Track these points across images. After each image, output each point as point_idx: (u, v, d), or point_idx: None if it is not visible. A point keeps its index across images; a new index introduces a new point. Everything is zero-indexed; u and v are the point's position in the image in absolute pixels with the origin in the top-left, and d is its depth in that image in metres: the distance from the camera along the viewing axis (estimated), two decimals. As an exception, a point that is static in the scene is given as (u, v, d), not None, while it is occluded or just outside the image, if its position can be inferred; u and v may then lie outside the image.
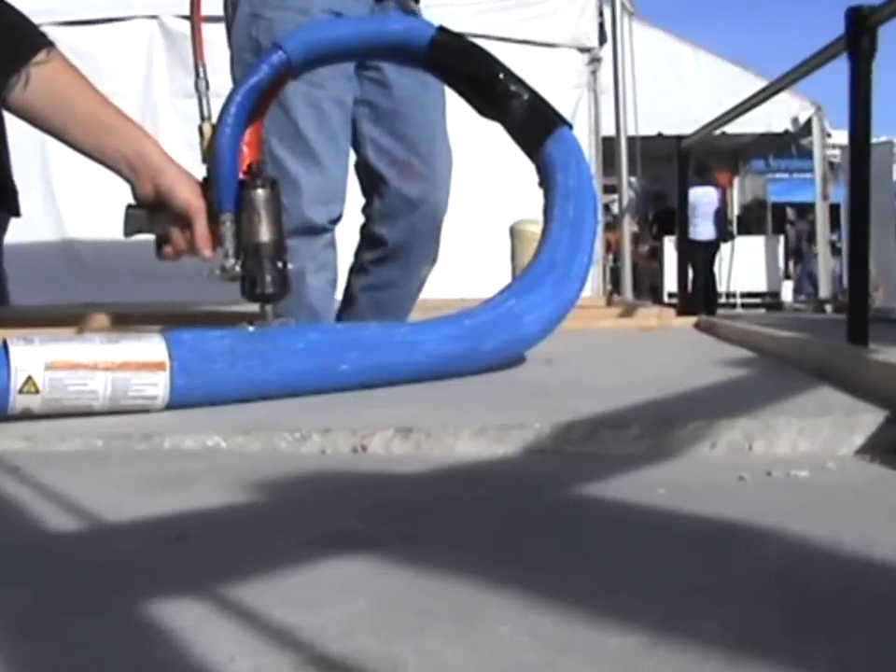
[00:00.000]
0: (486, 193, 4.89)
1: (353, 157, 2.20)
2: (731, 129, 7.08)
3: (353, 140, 2.17)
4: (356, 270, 2.25)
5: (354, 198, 2.21)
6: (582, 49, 5.62)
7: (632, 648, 0.55)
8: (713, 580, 0.67)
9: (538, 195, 1.73)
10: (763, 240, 12.72)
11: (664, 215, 11.24)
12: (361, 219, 2.24)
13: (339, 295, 2.24)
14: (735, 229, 12.13)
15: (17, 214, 3.46)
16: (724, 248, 10.46)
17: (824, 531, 0.77)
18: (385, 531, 0.78)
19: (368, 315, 2.19)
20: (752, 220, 14.03)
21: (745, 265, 11.73)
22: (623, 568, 0.70)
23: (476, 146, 3.94)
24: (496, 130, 1.75)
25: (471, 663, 0.54)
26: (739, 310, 11.27)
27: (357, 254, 2.25)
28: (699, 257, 8.88)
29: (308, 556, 0.71)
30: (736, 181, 13.95)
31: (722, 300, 11.08)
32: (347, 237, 2.23)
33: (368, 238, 2.22)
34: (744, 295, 11.98)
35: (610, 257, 7.38)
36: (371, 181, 2.19)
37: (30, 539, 0.77)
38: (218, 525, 0.82)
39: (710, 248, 9.68)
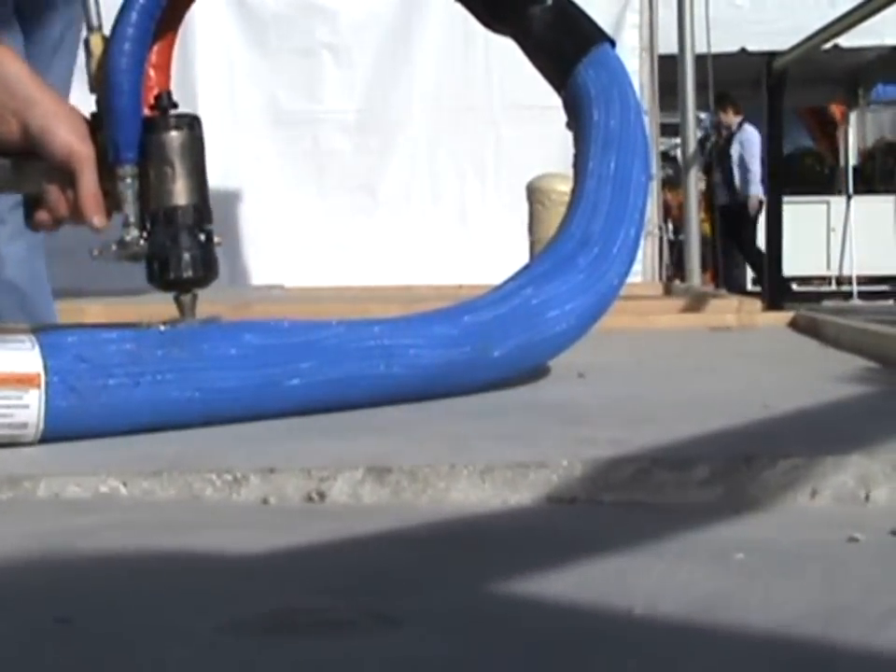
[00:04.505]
0: (492, 137, 4.88)
1: None
2: (847, 41, 7.08)
3: None
4: None
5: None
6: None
7: None
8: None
9: (566, 140, 1.74)
10: (892, 201, 12.69)
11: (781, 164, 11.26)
12: None
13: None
14: (850, 183, 12.10)
15: None
16: (836, 213, 10.46)
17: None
18: (351, 610, 0.79)
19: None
20: (877, 173, 13.98)
21: (865, 237, 11.73)
22: (684, 669, 0.71)
23: (476, 68, 3.91)
24: (507, 48, 1.76)
25: None
26: (856, 301, 11.28)
27: None
28: None
29: (242, 646, 0.72)
30: (853, 117, 13.92)
31: (831, 287, 11.08)
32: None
33: None
34: (864, 280, 11.98)
35: (670, 227, 7.37)
36: None
37: None
38: (114, 604, 0.83)
39: None
